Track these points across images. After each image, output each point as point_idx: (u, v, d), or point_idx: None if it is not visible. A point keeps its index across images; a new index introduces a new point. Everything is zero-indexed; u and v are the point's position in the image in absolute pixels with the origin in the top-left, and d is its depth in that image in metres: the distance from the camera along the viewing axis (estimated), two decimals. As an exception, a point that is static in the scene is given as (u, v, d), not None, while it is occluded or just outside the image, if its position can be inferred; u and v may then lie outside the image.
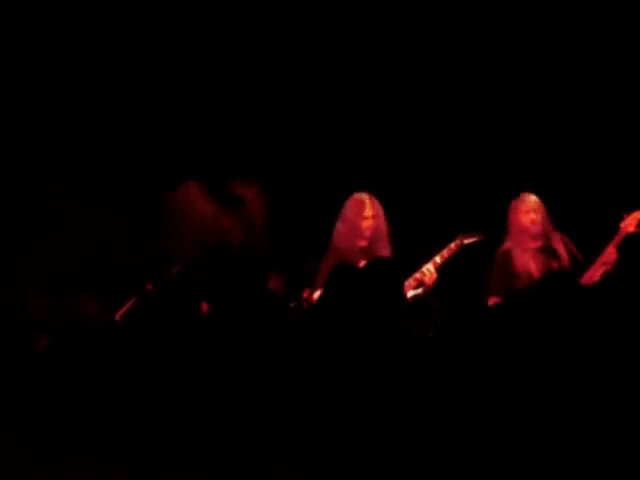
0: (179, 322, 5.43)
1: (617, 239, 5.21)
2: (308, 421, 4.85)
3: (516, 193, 5.62)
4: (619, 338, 4.74)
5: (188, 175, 6.65)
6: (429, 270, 5.43)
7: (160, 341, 5.35)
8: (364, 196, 5.52)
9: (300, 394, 4.96)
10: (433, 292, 5.44)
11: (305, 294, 5.50)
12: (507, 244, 5.49)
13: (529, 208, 5.40)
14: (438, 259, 5.47)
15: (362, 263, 5.36)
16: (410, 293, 5.39)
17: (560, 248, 5.34)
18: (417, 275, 5.45)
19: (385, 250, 5.45)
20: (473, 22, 6.47)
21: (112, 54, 6.78)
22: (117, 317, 5.88)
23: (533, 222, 5.39)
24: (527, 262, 5.36)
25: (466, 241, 5.53)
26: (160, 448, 5.01)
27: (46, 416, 5.28)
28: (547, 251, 5.37)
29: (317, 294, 5.35)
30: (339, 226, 5.49)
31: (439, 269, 5.46)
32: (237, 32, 6.71)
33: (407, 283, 5.42)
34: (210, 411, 5.07)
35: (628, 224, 5.19)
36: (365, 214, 5.45)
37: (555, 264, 5.33)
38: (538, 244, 5.42)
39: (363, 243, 5.47)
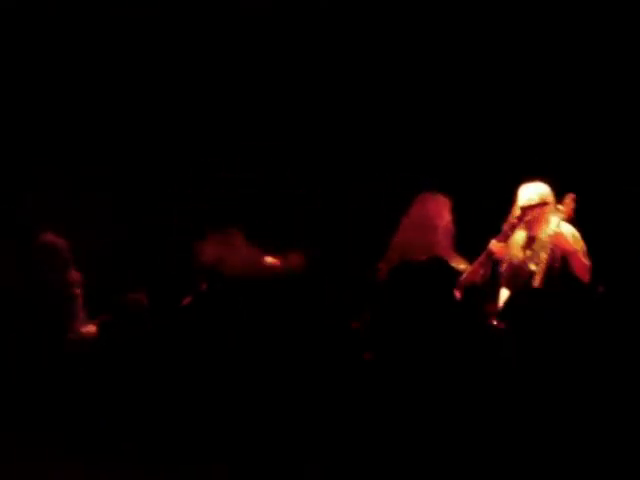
0: (231, 324, 5.40)
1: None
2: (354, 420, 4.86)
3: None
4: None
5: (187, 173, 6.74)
6: (496, 249, 5.24)
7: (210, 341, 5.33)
8: (442, 197, 5.42)
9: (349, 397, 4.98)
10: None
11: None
12: None
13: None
14: (502, 238, 5.25)
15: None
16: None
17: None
18: (481, 258, 5.26)
19: (450, 250, 5.35)
20: (475, 22, 6.48)
21: (112, 54, 6.78)
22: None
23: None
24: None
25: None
26: (164, 448, 5.02)
27: (51, 416, 5.28)
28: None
29: None
30: (413, 225, 5.38)
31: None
32: (238, 32, 6.72)
33: (471, 266, 5.34)
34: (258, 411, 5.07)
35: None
36: (441, 215, 5.37)
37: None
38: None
39: (438, 245, 5.35)
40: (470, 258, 5.33)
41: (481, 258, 5.23)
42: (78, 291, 5.70)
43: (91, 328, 5.87)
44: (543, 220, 5.13)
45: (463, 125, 6.64)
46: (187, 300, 5.65)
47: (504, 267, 5.21)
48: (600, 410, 4.74)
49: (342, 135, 6.79)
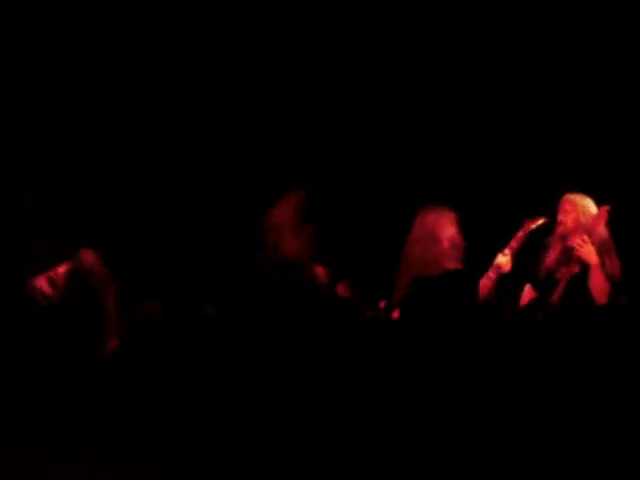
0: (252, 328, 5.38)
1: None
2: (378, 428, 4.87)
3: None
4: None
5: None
6: (503, 263, 5.24)
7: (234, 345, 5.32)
8: (444, 209, 5.33)
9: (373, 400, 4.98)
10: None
11: (382, 304, 5.40)
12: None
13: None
14: (508, 252, 5.27)
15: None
16: None
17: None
18: (490, 273, 5.27)
19: (457, 263, 5.34)
20: (476, 23, 6.48)
21: (111, 54, 6.77)
22: None
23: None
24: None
25: (533, 226, 5.28)
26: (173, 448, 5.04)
27: (51, 416, 5.29)
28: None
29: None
30: (415, 238, 5.30)
31: (512, 260, 5.27)
32: (238, 32, 6.72)
33: (481, 282, 5.30)
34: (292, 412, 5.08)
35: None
36: (452, 227, 5.32)
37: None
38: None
39: (446, 257, 5.32)
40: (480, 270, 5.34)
41: (490, 273, 5.23)
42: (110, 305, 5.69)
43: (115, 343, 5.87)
44: (580, 232, 5.02)
45: (464, 127, 6.63)
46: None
47: (539, 271, 5.18)
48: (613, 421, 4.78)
49: (342, 135, 6.79)
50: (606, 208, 4.99)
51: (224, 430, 5.15)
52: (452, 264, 5.21)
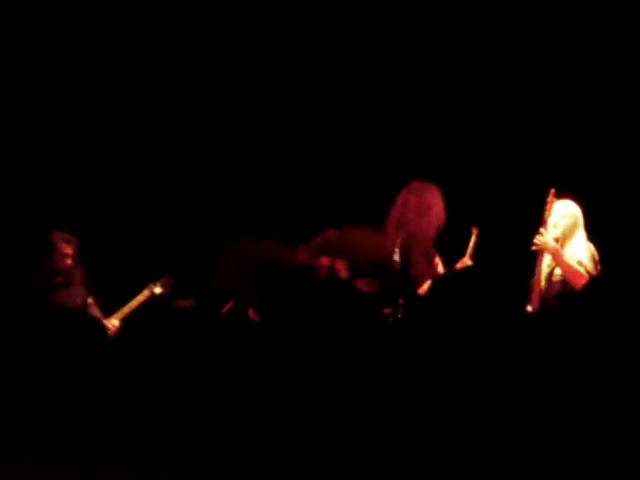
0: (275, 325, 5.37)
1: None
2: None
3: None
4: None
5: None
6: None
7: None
8: (437, 188, 5.36)
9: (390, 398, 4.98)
10: None
11: (401, 301, 5.40)
12: None
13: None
14: (470, 254, 5.45)
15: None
16: None
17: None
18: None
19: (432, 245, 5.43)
20: (473, 24, 6.49)
21: (112, 54, 6.79)
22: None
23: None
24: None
25: (476, 231, 5.54)
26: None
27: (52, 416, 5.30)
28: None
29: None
30: (421, 225, 5.28)
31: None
32: (238, 31, 6.74)
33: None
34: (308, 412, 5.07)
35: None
36: (439, 204, 5.36)
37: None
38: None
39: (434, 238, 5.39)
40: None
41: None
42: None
43: (114, 322, 5.92)
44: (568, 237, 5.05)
45: (463, 128, 6.65)
46: (228, 306, 5.64)
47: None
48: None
49: (342, 135, 6.81)
50: (552, 192, 5.00)
51: (224, 431, 5.16)
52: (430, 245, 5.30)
